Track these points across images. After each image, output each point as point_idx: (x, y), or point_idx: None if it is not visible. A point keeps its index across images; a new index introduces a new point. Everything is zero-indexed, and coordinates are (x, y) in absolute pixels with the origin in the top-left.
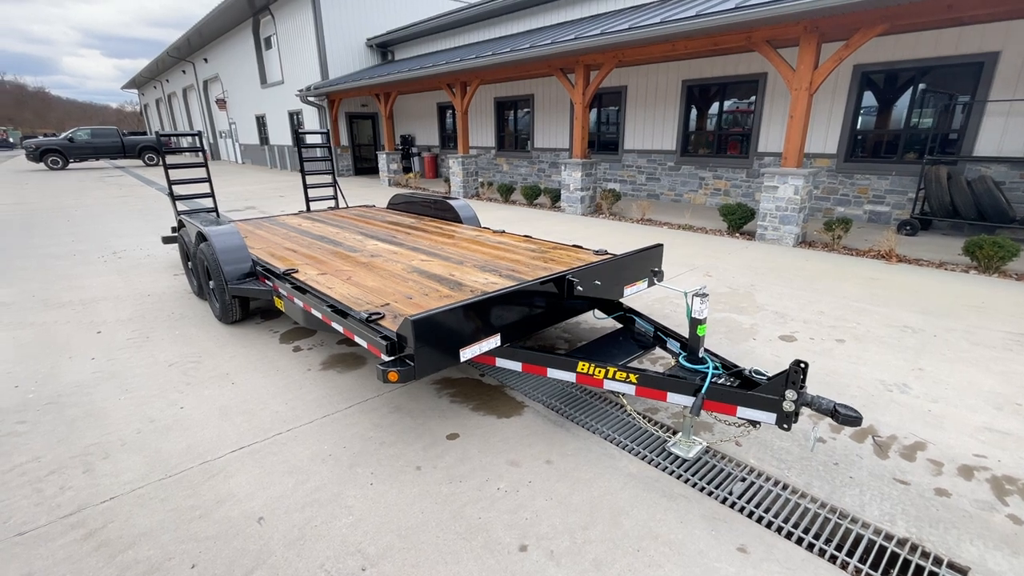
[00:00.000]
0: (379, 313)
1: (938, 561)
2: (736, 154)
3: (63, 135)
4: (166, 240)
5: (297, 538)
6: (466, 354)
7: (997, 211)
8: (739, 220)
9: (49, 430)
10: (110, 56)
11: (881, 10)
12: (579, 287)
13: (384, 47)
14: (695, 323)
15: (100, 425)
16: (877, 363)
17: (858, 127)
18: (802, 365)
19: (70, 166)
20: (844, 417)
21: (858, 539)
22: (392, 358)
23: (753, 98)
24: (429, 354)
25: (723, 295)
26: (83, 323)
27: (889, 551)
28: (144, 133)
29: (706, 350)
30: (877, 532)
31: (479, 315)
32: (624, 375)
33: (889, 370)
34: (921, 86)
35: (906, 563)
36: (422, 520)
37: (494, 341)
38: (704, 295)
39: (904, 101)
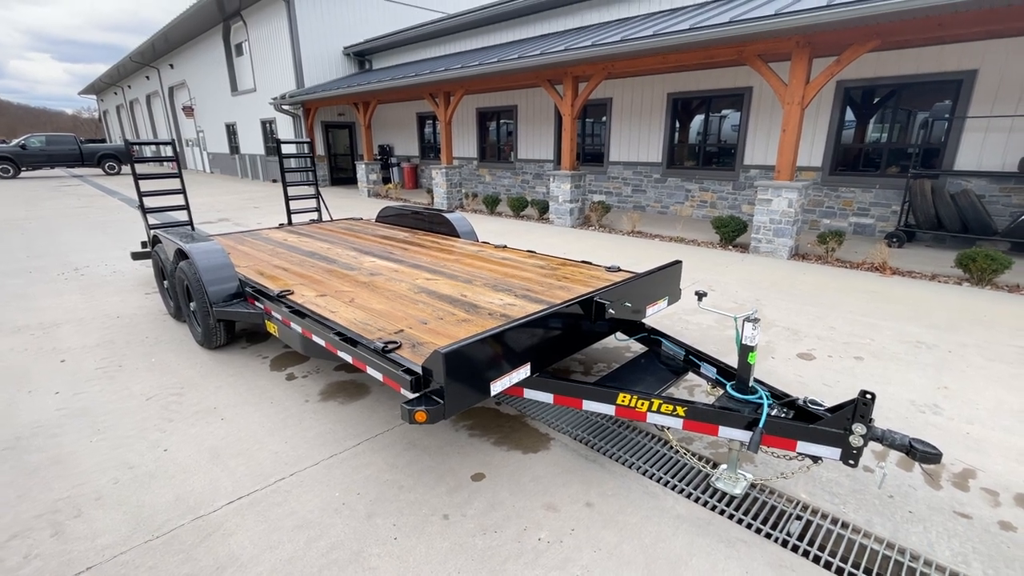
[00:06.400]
0: (395, 342)
1: None
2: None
3: (15, 142)
4: (136, 256)
5: None
6: (496, 387)
7: (980, 223)
8: (732, 232)
9: (7, 482)
10: (61, 60)
11: (874, 27)
12: (610, 309)
13: (361, 56)
14: (746, 350)
15: (69, 474)
16: (901, 382)
17: (842, 141)
18: (869, 396)
19: (22, 174)
20: (922, 454)
21: None
22: (416, 395)
23: (739, 111)
24: (459, 389)
25: (731, 311)
26: (43, 350)
27: None
28: (103, 140)
29: (755, 379)
30: None
31: (511, 343)
32: (670, 407)
33: (915, 389)
34: (902, 102)
35: None
36: None
37: (524, 371)
38: (756, 320)
39: (886, 116)
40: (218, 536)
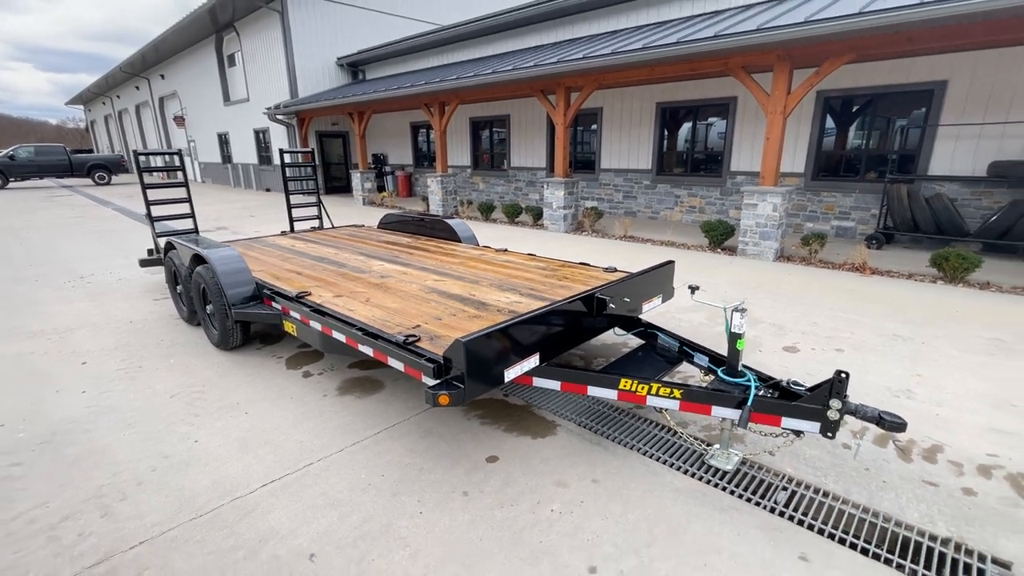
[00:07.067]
0: (414, 335)
1: (982, 557)
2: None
3: (3, 152)
4: (144, 263)
5: (357, 574)
6: (510, 374)
7: (953, 226)
8: (720, 236)
9: (49, 472)
10: (44, 70)
11: (848, 41)
12: (611, 304)
13: (355, 66)
14: (734, 337)
15: (108, 464)
16: (879, 371)
17: (823, 148)
18: (843, 375)
19: (11, 185)
20: (890, 424)
21: (906, 542)
22: (438, 381)
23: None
24: (478, 376)
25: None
26: (63, 353)
27: (937, 551)
28: (90, 151)
29: (744, 364)
30: (922, 533)
31: (523, 335)
32: (668, 391)
33: (891, 378)
34: (879, 111)
35: (955, 562)
36: (482, 548)
37: (534, 361)
38: (743, 310)
39: (864, 124)
40: (257, 514)
